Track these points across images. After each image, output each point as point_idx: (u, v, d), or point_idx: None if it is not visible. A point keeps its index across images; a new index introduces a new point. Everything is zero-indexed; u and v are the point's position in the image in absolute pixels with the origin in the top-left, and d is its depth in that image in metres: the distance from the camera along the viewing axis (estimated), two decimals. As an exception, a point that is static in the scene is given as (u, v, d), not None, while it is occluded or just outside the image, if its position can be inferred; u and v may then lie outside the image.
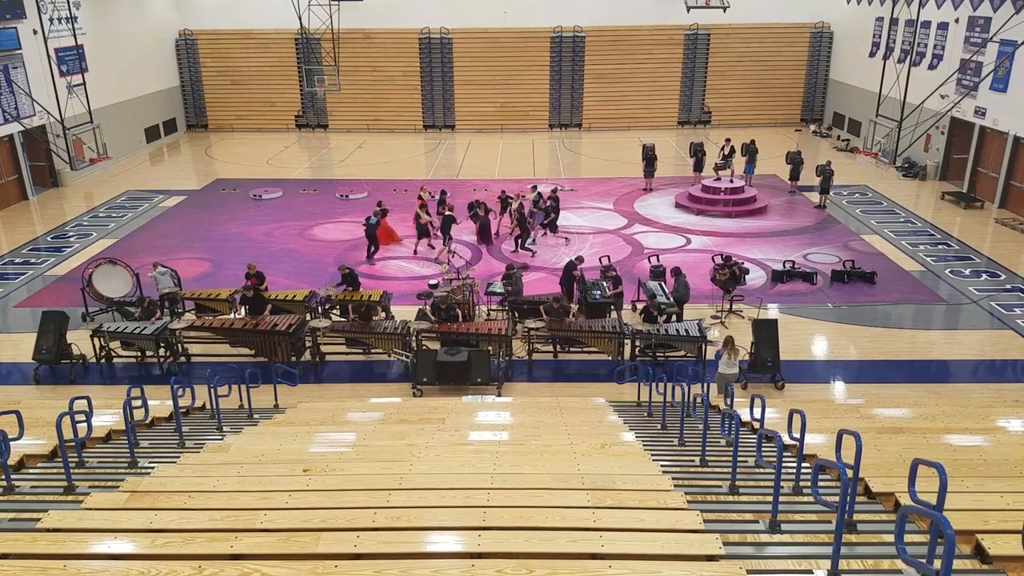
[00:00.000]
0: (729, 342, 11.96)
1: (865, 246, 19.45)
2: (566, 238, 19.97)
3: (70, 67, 26.14)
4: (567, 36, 33.32)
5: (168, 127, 33.39)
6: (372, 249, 18.92)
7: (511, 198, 20.35)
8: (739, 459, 6.75)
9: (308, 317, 14.57)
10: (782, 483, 5.56)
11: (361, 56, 33.47)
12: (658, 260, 16.95)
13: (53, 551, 4.97)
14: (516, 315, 14.75)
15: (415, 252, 19.23)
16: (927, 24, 25.69)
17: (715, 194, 22.57)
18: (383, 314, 14.66)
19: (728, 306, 15.54)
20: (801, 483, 6.52)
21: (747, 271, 16.29)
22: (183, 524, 5.39)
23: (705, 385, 11.09)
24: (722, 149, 25.41)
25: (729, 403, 9.59)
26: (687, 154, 25.91)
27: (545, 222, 20.04)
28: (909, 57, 26.20)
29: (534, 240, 19.69)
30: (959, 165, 24.33)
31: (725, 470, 7.05)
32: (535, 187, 21.46)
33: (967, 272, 17.67)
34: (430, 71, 33.81)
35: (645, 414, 10.93)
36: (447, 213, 19.10)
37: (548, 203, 20.19)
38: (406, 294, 16.26)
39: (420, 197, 19.81)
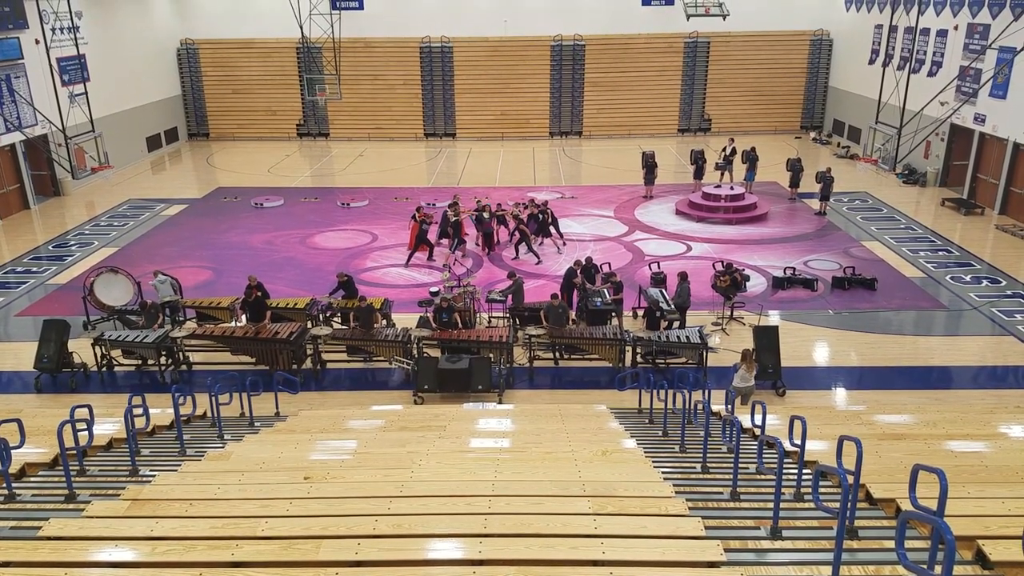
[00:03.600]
0: (746, 356, 11.85)
1: (866, 253, 19.46)
2: (558, 247, 19.93)
3: (72, 76, 26.24)
4: (567, 44, 33.44)
5: (170, 136, 33.49)
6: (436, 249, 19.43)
7: (504, 211, 20.38)
8: (740, 466, 6.75)
9: (309, 325, 14.58)
10: (783, 489, 5.56)
11: (362, 65, 33.58)
12: (659, 267, 16.96)
13: (54, 559, 4.98)
14: (517, 322, 14.77)
15: (430, 257, 19.30)
16: (926, 31, 25.78)
17: (715, 201, 22.60)
18: (384, 322, 14.67)
19: (729, 313, 15.55)
20: (802, 489, 6.52)
21: (748, 278, 16.32)
22: (184, 532, 5.39)
23: (706, 392, 11.09)
24: (724, 149, 25.48)
25: (730, 410, 9.59)
26: (687, 161, 25.97)
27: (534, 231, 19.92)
28: (908, 64, 26.27)
29: (541, 243, 19.74)
30: (959, 171, 24.36)
31: (726, 476, 7.04)
32: (532, 199, 21.40)
33: (968, 278, 17.68)
34: (431, 79, 33.92)
35: (646, 421, 10.93)
36: (454, 219, 19.14)
37: (538, 211, 20.00)
38: (407, 302, 16.28)
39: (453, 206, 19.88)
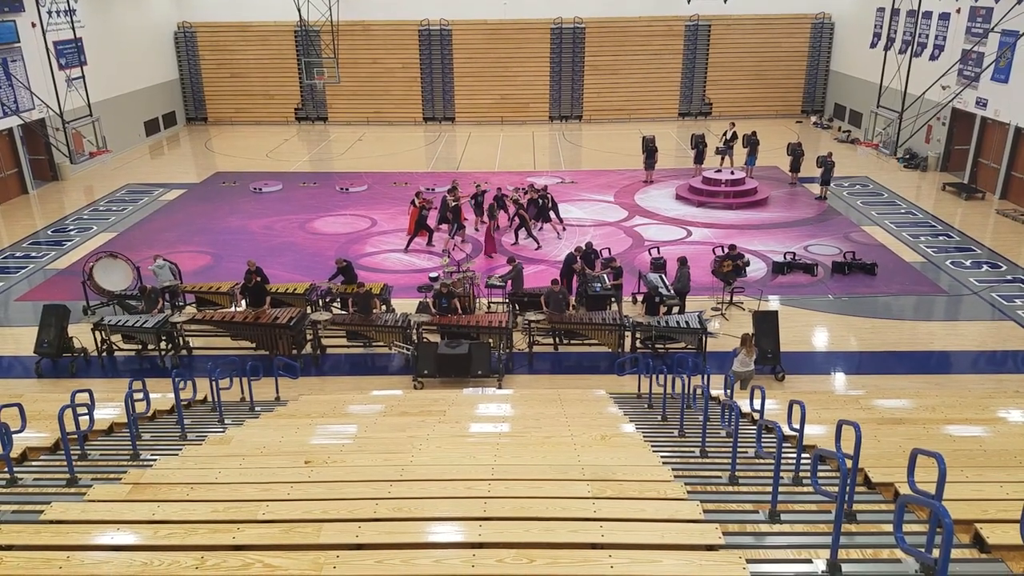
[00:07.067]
0: (746, 340, 11.84)
1: (866, 237, 19.44)
2: (558, 232, 19.85)
3: (69, 60, 26.09)
4: (567, 27, 33.23)
5: (168, 120, 33.34)
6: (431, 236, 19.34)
7: (506, 196, 20.26)
8: (739, 450, 6.76)
9: (309, 310, 14.59)
10: (782, 473, 5.58)
11: (360, 48, 33.39)
12: (659, 252, 16.95)
13: (56, 543, 5.00)
14: (516, 307, 14.77)
15: (429, 243, 19.25)
16: (928, 14, 25.61)
17: (716, 186, 22.55)
18: (383, 307, 14.68)
19: (729, 298, 15.55)
20: (801, 473, 6.54)
21: (748, 263, 16.32)
22: (185, 516, 5.42)
23: (705, 377, 11.10)
24: (724, 133, 25.37)
25: (729, 394, 9.61)
26: (688, 146, 25.88)
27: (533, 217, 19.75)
28: (910, 48, 26.13)
29: (540, 228, 19.66)
30: (960, 156, 24.28)
31: (725, 461, 7.07)
32: (532, 184, 21.32)
33: (968, 263, 17.67)
34: (430, 63, 33.73)
35: (645, 406, 10.95)
36: (454, 204, 19.03)
37: (538, 196, 19.88)
38: (406, 287, 16.27)
39: (452, 192, 19.68)
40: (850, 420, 5.95)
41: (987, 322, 14.83)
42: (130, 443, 7.96)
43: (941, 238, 19.38)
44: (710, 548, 4.75)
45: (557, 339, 14.18)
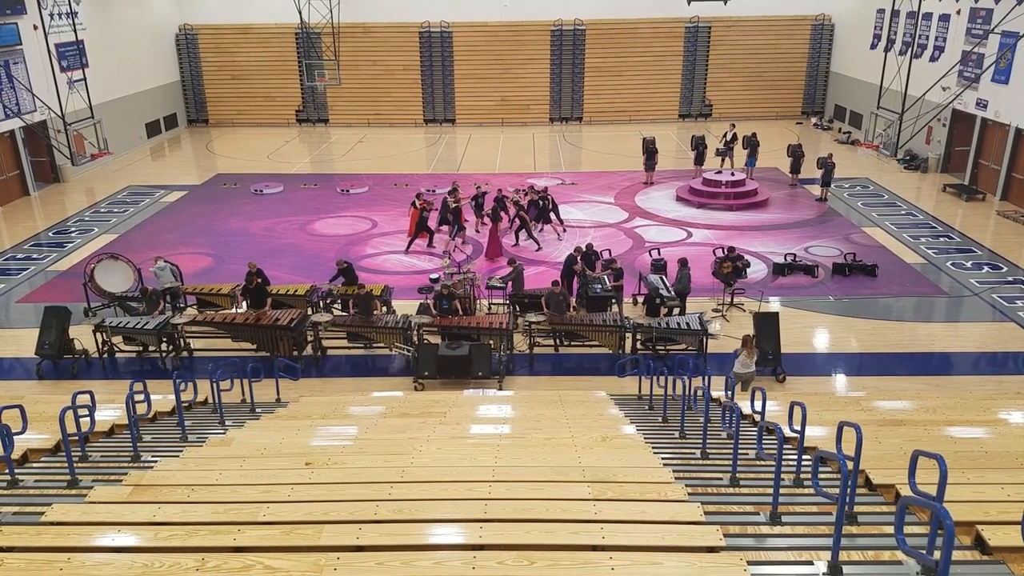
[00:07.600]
0: (747, 342, 11.82)
1: (866, 239, 19.43)
2: (558, 234, 19.84)
3: (71, 62, 26.13)
4: (567, 29, 33.25)
5: (169, 122, 33.36)
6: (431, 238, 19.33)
7: (506, 197, 20.26)
8: (740, 451, 6.76)
9: (310, 312, 14.59)
10: (783, 475, 5.58)
11: (361, 50, 33.41)
12: (659, 253, 16.94)
13: (57, 544, 5.00)
14: (517, 309, 14.77)
15: (430, 244, 19.24)
16: (928, 16, 25.61)
17: (716, 187, 22.55)
18: (384, 308, 14.68)
19: (729, 299, 15.54)
20: (802, 475, 6.54)
21: (748, 264, 16.31)
22: (186, 517, 5.41)
23: (706, 378, 11.09)
24: (724, 135, 25.38)
25: (730, 396, 9.61)
26: (688, 147, 25.88)
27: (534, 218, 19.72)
28: (910, 49, 26.14)
29: (541, 230, 19.65)
30: (961, 157, 24.27)
31: (726, 462, 7.07)
32: (532, 185, 21.32)
33: (968, 264, 17.66)
34: (430, 65, 33.75)
35: (646, 407, 10.95)
36: (454, 205, 19.03)
37: (538, 197, 19.87)
38: (407, 288, 16.28)
39: (454, 193, 19.66)
40: (851, 422, 5.95)
41: (988, 323, 14.82)
42: (131, 445, 7.96)
43: (942, 239, 19.37)
44: (711, 550, 4.74)
45: (558, 340, 14.18)
